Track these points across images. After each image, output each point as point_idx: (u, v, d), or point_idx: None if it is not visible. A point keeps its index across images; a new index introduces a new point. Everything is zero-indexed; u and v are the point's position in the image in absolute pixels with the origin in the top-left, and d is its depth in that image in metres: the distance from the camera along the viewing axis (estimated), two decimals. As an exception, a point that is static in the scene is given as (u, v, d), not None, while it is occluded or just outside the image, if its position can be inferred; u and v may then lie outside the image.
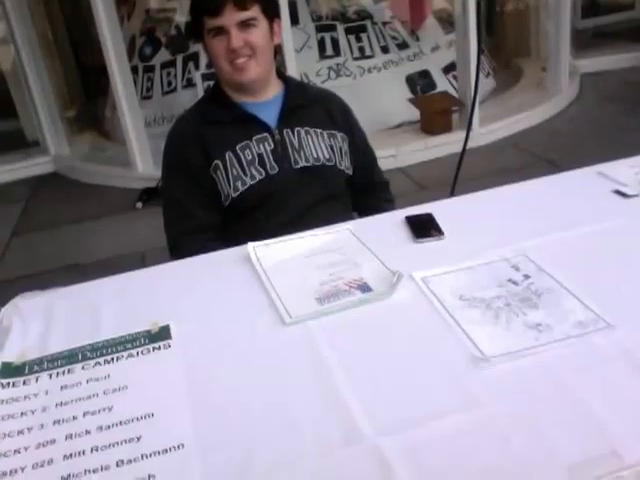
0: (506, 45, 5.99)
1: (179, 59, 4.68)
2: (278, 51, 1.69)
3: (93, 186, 4.44)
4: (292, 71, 3.92)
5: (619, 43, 5.86)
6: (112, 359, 1.04)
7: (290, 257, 1.27)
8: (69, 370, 1.02)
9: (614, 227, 1.24)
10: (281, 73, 1.69)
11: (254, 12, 1.52)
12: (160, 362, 1.03)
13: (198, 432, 0.86)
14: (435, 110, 4.30)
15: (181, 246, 1.58)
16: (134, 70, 4.76)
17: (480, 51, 3.73)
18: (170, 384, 0.97)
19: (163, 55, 4.81)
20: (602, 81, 5.32)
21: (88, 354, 1.06)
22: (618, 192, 1.37)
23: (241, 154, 1.56)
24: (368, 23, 4.73)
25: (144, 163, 4.21)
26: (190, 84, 4.59)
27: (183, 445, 0.85)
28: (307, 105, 1.66)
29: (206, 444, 0.84)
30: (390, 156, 4.04)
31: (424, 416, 0.84)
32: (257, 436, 0.85)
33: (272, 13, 1.59)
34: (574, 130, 4.42)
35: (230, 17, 1.50)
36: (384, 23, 4.81)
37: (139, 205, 3.89)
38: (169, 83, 4.73)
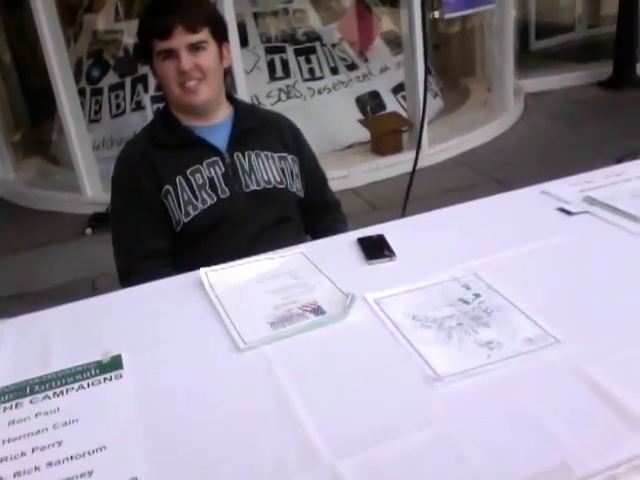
0: (453, 65, 6.14)
1: (128, 81, 4.65)
2: (227, 74, 1.69)
3: (40, 212, 4.36)
4: (242, 93, 3.93)
5: (562, 63, 6.06)
6: (62, 392, 1.01)
7: (243, 282, 1.26)
8: (17, 404, 0.99)
9: (560, 244, 1.28)
10: (230, 96, 1.70)
11: (204, 35, 1.53)
12: (112, 393, 1.00)
13: (153, 463, 0.85)
14: (385, 131, 4.36)
15: (132, 273, 1.56)
16: (81, 93, 4.70)
17: (427, 71, 3.81)
18: (122, 415, 0.95)
19: (111, 77, 4.77)
20: (546, 100, 5.48)
21: (37, 387, 1.03)
22: (562, 210, 1.41)
23: (192, 178, 1.55)
24: (317, 45, 4.80)
25: (93, 188, 4.15)
26: (139, 107, 4.56)
27: (137, 478, 0.83)
28: (257, 128, 1.66)
29: (161, 476, 0.83)
30: (342, 177, 4.08)
31: (381, 436, 0.84)
32: (213, 465, 0.83)
33: (221, 36, 1.60)
34: (520, 148, 4.54)
35: (180, 40, 1.50)
36: (333, 45, 4.88)
37: (88, 231, 3.83)
38: (118, 106, 4.69)
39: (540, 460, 0.79)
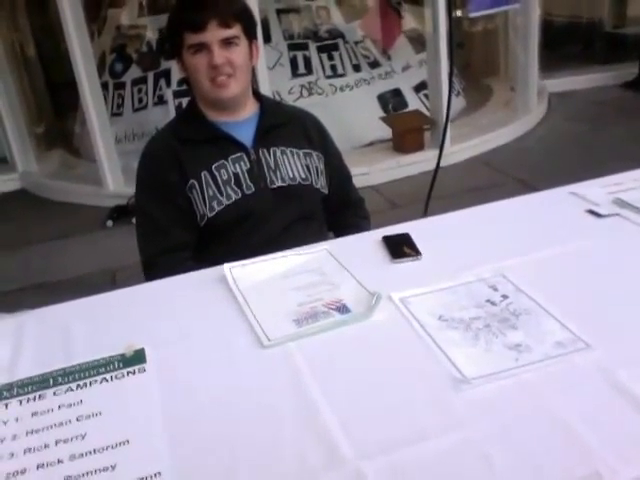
0: (475, 65, 6.09)
1: (150, 76, 4.66)
2: (254, 71, 1.69)
3: (62, 204, 4.38)
4: (264, 89, 3.93)
5: (587, 63, 5.99)
6: (85, 384, 1.01)
7: (267, 278, 1.25)
8: (40, 396, 0.99)
9: (589, 247, 1.26)
10: (257, 93, 1.69)
11: (236, 31, 1.52)
12: (135, 387, 1.00)
13: (175, 459, 0.84)
14: (407, 128, 4.34)
15: (156, 265, 1.56)
16: (104, 87, 4.72)
17: (452, 69, 3.76)
18: (146, 409, 0.95)
19: (134, 72, 4.79)
20: (570, 100, 5.42)
21: (60, 379, 1.03)
22: (591, 212, 1.39)
23: (217, 174, 1.55)
24: (340, 42, 4.78)
25: (114, 181, 4.17)
26: (161, 101, 4.57)
27: (160, 473, 0.82)
28: (283, 124, 1.65)
29: (184, 471, 0.82)
30: (362, 174, 4.06)
31: (405, 438, 0.83)
32: (236, 461, 0.83)
33: (252, 34, 1.60)
34: (543, 149, 4.49)
35: (213, 34, 1.49)
36: (356, 42, 4.86)
37: (109, 223, 3.85)
38: (140, 100, 4.71)
39: (570, 468, 0.77)
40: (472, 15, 4.38)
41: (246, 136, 1.60)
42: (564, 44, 6.13)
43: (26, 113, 5.08)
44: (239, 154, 1.57)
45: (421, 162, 4.00)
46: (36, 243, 3.84)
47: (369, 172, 4.14)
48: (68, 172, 4.74)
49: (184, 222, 1.56)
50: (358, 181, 3.88)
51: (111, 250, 3.44)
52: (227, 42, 1.51)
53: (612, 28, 6.55)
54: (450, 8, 3.20)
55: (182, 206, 1.55)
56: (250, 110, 1.64)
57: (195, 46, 1.51)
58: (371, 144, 4.56)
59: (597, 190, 1.49)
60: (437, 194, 3.14)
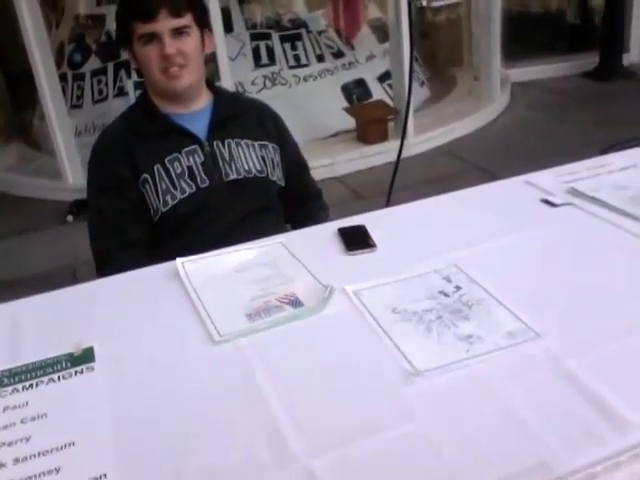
0: (440, 55, 6.10)
1: (110, 67, 4.57)
2: (208, 61, 1.66)
3: (21, 198, 4.28)
4: (226, 80, 3.89)
5: (549, 53, 6.04)
6: (31, 385, 0.99)
7: (220, 272, 1.24)
8: (-16, 398, 0.96)
9: (542, 236, 1.26)
10: (211, 83, 1.66)
11: (187, 20, 1.49)
12: (83, 387, 0.98)
13: (122, 459, 0.83)
14: (370, 119, 4.33)
15: (108, 263, 1.53)
16: (63, 78, 4.62)
17: (413, 60, 3.76)
18: (92, 410, 0.93)
19: (93, 62, 4.68)
20: (533, 90, 5.47)
21: (5, 380, 1.00)
22: (545, 201, 1.40)
23: (170, 167, 1.52)
24: (303, 32, 4.74)
25: (74, 174, 4.08)
26: (122, 92, 4.49)
27: (106, 475, 0.81)
28: (237, 116, 1.63)
29: (130, 472, 0.81)
30: (326, 165, 4.05)
31: (356, 433, 0.83)
32: (185, 461, 0.81)
33: (203, 22, 1.57)
34: (505, 138, 4.53)
35: (164, 23, 1.46)
36: (319, 32, 4.82)
37: (69, 218, 3.77)
38: (100, 91, 4.62)
39: (519, 458, 0.77)
40: (435, 4, 4.38)
41: (200, 128, 1.57)
42: (527, 34, 6.17)
43: (-18, 106, 4.96)
44: (193, 147, 1.55)
45: (385, 152, 4.00)
46: (-6, 239, 3.75)
47: (333, 163, 4.12)
48: (27, 166, 4.63)
49: (137, 217, 1.53)
50: (322, 172, 3.92)
51: (71, 245, 3.36)
52: (178, 32, 1.48)
53: (574, 19, 6.61)
54: (410, -3, 3.19)
55: (134, 201, 1.52)
56: (204, 101, 1.61)
57: (145, 36, 1.47)
58: (335, 135, 4.53)
59: (552, 179, 1.50)
60: (400, 185, 3.15)
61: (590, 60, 5.68)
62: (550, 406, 0.84)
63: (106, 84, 4.60)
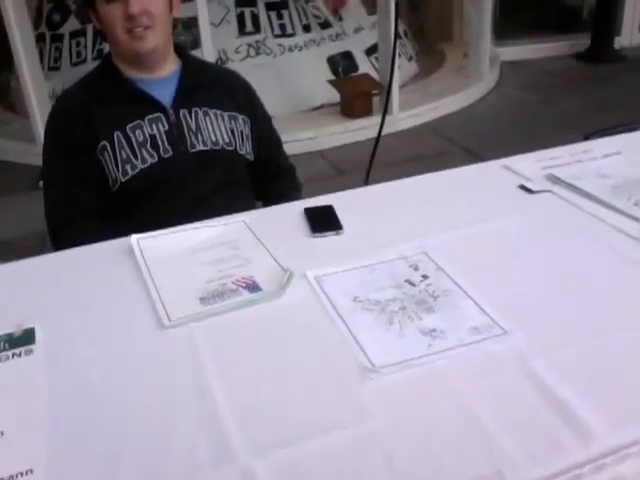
0: (430, 29, 5.99)
1: (89, 28, 4.42)
2: (176, 24, 1.57)
3: (-7, 161, 4.17)
4: (208, 46, 3.78)
5: (541, 32, 5.95)
6: (-36, 367, 0.92)
7: (177, 251, 1.17)
8: None
9: (517, 225, 1.21)
10: (180, 49, 1.57)
11: None
12: (19, 371, 0.92)
13: (52, 455, 0.77)
14: (355, 93, 4.24)
15: (63, 232, 1.46)
16: (41, 38, 4.48)
17: (401, 35, 3.67)
18: (27, 398, 0.86)
19: (72, 24, 4.54)
20: (522, 70, 5.39)
21: (-64, 360, 0.94)
22: (523, 187, 1.34)
23: (132, 135, 1.44)
24: (290, 0, 4.61)
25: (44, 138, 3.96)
26: (101, 55, 4.34)
27: (32, 471, 0.75)
28: (207, 84, 1.55)
29: (58, 471, 0.75)
30: (309, 138, 3.97)
31: (304, 432, 0.78)
32: (118, 457, 0.76)
33: None
34: (492, 118, 4.46)
35: None
36: (306, 1, 4.70)
37: (41, 184, 3.66)
38: (78, 54, 4.48)
39: (473, 465, 0.73)
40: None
41: (166, 95, 1.49)
42: (519, 13, 6.07)
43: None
44: (157, 114, 1.46)
45: (369, 128, 3.90)
46: (-38, 203, 3.65)
47: (316, 136, 4.04)
48: (2, 128, 4.50)
49: (93, 186, 1.46)
50: (304, 145, 3.84)
51: (42, 211, 3.28)
52: None
53: (567, -2, 6.52)
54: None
55: (91, 169, 1.44)
56: (171, 68, 1.52)
57: None
58: (319, 108, 4.44)
59: (531, 164, 1.44)
60: (383, 161, 3.08)
61: (581, 42, 5.61)
62: (512, 410, 0.79)
63: (85, 46, 4.46)
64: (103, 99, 1.47)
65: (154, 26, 1.43)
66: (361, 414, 0.80)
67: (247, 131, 1.57)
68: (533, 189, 1.32)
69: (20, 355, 0.94)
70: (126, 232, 1.24)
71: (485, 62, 4.91)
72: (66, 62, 4.51)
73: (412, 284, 1.04)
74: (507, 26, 5.65)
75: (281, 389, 0.85)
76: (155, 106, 1.47)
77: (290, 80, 4.32)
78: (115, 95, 1.47)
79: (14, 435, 0.80)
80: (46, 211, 1.50)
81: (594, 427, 0.75)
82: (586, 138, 1.67)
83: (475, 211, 1.26)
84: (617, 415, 0.77)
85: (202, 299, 1.02)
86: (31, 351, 0.95)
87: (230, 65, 4.14)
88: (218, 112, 1.52)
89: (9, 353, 0.95)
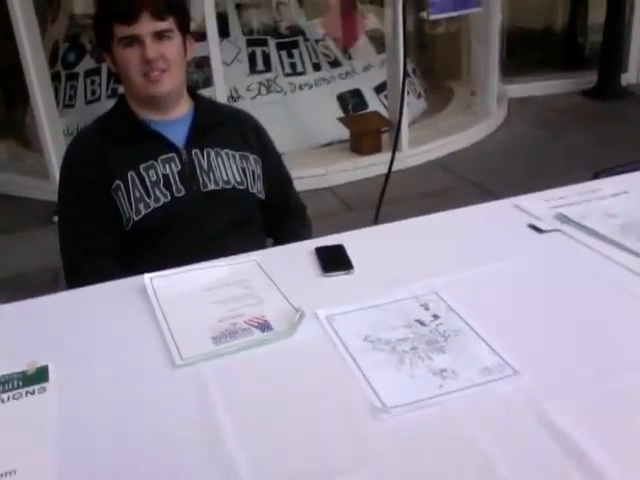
0: (438, 67, 6.07)
1: (104, 67, 4.51)
2: (189, 67, 1.61)
3: (8, 197, 4.21)
4: (220, 85, 3.84)
5: (548, 70, 6.02)
6: (-22, 405, 0.93)
7: (189, 290, 1.18)
8: None
9: (527, 264, 1.21)
10: (192, 91, 1.60)
11: (170, 24, 1.45)
12: (32, 409, 0.92)
13: (63, 493, 0.77)
14: (365, 130, 4.28)
15: (77, 270, 1.47)
16: (57, 77, 4.57)
17: (412, 72, 3.71)
18: (39, 436, 0.87)
19: (88, 63, 4.63)
20: (530, 106, 5.43)
21: (-47, 397, 0.94)
22: (532, 226, 1.35)
23: (145, 174, 1.47)
24: (300, 39, 4.70)
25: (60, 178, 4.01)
26: (115, 94, 4.42)
27: (43, 510, 0.75)
28: (218, 124, 1.57)
29: (70, 509, 0.75)
30: (319, 175, 4.00)
31: (315, 474, 0.78)
32: (131, 497, 0.76)
33: (186, 27, 1.52)
34: (501, 154, 4.49)
35: (146, 26, 1.41)
36: (316, 40, 4.78)
37: (56, 219, 3.69)
38: (93, 92, 4.56)
39: (487, 509, 0.72)
40: (433, 17, 4.33)
41: (179, 136, 1.52)
42: (526, 51, 6.15)
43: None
44: (170, 154, 1.49)
45: (378, 164, 3.94)
46: (-22, 238, 3.69)
47: (325, 173, 4.07)
48: (16, 164, 4.56)
49: (108, 226, 1.48)
50: (314, 182, 3.87)
51: (55, 247, 3.31)
52: (160, 35, 1.43)
53: (573, 37, 6.59)
54: (405, 9, 3.14)
55: (106, 209, 1.47)
56: (184, 109, 1.56)
57: (126, 39, 1.42)
58: (329, 144, 4.49)
59: (540, 203, 1.45)
60: (392, 197, 3.10)
61: (588, 79, 5.66)
62: (524, 453, 0.79)
63: (99, 85, 4.55)
64: (117, 140, 1.50)
65: (169, 70, 1.46)
66: (372, 456, 0.80)
67: (258, 170, 1.59)
68: (543, 228, 1.33)
69: (34, 393, 0.95)
70: (139, 270, 1.26)
71: (493, 99, 4.96)
72: (81, 100, 4.60)
73: (423, 324, 1.04)
74: (514, 63, 5.72)
75: (292, 429, 0.85)
76: (168, 146, 1.50)
77: (300, 117, 4.38)
78: (129, 136, 1.50)
79: (26, 474, 0.81)
80: (61, 248, 1.52)
81: (610, 474, 0.74)
82: (595, 177, 1.69)
83: (485, 250, 1.27)
84: (631, 460, 0.77)
85: (214, 338, 1.03)
86: (44, 389, 0.96)
87: (241, 103, 4.20)
88: (230, 152, 1.55)
89: (23, 391, 0.96)
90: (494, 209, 1.48)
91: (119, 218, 1.47)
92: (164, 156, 1.49)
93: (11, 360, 1.02)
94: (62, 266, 1.52)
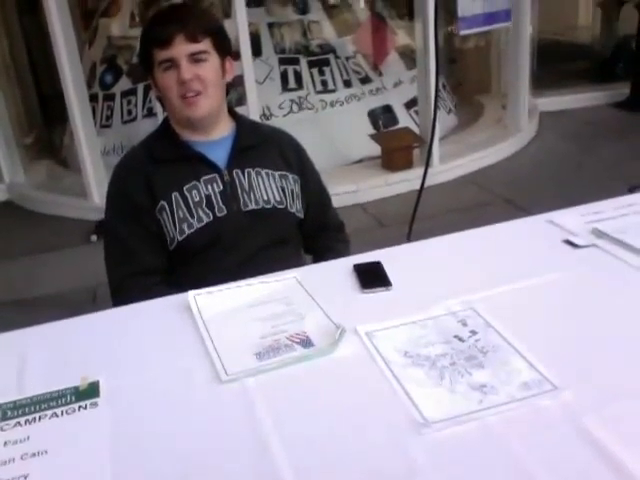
0: (468, 82, 6.08)
1: (140, 88, 4.63)
2: (230, 89, 1.65)
3: (47, 216, 4.33)
4: (253, 103, 3.91)
5: (579, 82, 5.99)
6: (34, 419, 0.97)
7: (232, 307, 1.22)
8: (-14, 431, 0.95)
9: (563, 279, 1.22)
10: (233, 112, 1.65)
11: (205, 45, 1.49)
12: (85, 423, 0.96)
13: (118, 505, 0.80)
14: (396, 146, 4.31)
15: (123, 289, 1.52)
16: (94, 98, 4.69)
17: (441, 87, 3.73)
18: (93, 449, 0.91)
19: (124, 83, 4.75)
20: (562, 120, 5.41)
21: (9, 412, 0.99)
22: (568, 242, 1.36)
23: (188, 195, 1.51)
24: (331, 57, 4.76)
25: (100, 193, 4.10)
26: (151, 113, 4.54)
27: (98, 521, 0.79)
28: (259, 145, 1.61)
29: (126, 519, 0.78)
30: (350, 192, 4.04)
31: (360, 487, 0.80)
32: (181, 510, 0.79)
33: (224, 49, 1.56)
34: (533, 169, 4.47)
35: (180, 49, 1.46)
36: (347, 57, 4.84)
37: (94, 238, 3.79)
38: (129, 112, 4.68)
39: (530, 522, 0.73)
40: (462, 33, 4.36)
41: (220, 156, 1.56)
42: (556, 63, 6.13)
43: (15, 123, 5.04)
44: (212, 175, 1.54)
45: (410, 180, 3.97)
46: (18, 256, 3.79)
47: (357, 190, 4.11)
48: (55, 184, 4.68)
49: (153, 245, 1.52)
50: (345, 198, 3.91)
51: (94, 266, 3.36)
52: (195, 57, 1.48)
53: (605, 49, 6.55)
54: (436, 23, 3.17)
55: (151, 229, 1.51)
56: (225, 129, 1.60)
57: (164, 62, 1.48)
58: (360, 161, 4.52)
59: (576, 218, 1.46)
60: (424, 214, 3.11)
61: (620, 91, 5.62)
62: (565, 468, 0.80)
63: (135, 105, 4.66)
64: (161, 161, 1.55)
65: (206, 91, 1.50)
66: (415, 469, 0.82)
67: (297, 190, 1.63)
68: (578, 244, 1.34)
69: (86, 408, 0.99)
70: (182, 287, 1.30)
71: (524, 113, 4.96)
72: (117, 120, 4.71)
73: (461, 339, 1.06)
74: (544, 77, 5.71)
75: (335, 443, 0.87)
76: (210, 167, 1.54)
77: (332, 134, 4.43)
78: (172, 157, 1.55)
79: (82, 487, 0.85)
80: (107, 267, 1.57)
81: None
82: (630, 191, 1.69)
83: (521, 266, 1.28)
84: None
85: (257, 354, 1.06)
86: (96, 404, 1.00)
87: (273, 120, 4.27)
88: (270, 172, 1.59)
89: (75, 406, 0.99)
90: (528, 225, 1.49)
91: (163, 238, 1.51)
92: (206, 177, 1.53)
93: (63, 376, 1.06)
94: (108, 284, 1.57)
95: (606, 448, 0.81)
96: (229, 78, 1.59)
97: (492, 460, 0.82)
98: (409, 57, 5.00)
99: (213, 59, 1.51)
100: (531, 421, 0.88)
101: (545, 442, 0.84)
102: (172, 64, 1.47)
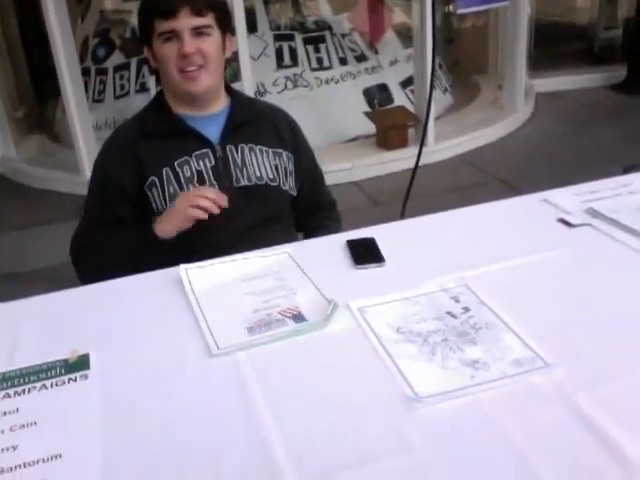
0: (465, 62, 6.04)
1: (133, 62, 4.58)
2: (228, 65, 1.63)
3: (39, 191, 4.30)
4: (247, 79, 3.87)
5: (576, 64, 5.96)
6: (23, 391, 0.97)
7: (224, 281, 1.21)
8: (-26, 402, 0.95)
9: (557, 257, 1.22)
10: (229, 88, 1.63)
11: (209, 20, 1.47)
12: (75, 395, 0.96)
13: (108, 475, 0.80)
14: (391, 125, 4.29)
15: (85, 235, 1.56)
16: (86, 72, 4.64)
17: (438, 67, 3.70)
18: (83, 421, 0.90)
19: (117, 58, 4.70)
20: (557, 101, 5.39)
21: (-2, 384, 0.98)
22: (562, 221, 1.35)
23: (179, 170, 1.49)
24: (327, 34, 4.71)
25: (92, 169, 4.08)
26: (143, 88, 4.50)
27: (89, 491, 0.78)
28: (253, 121, 1.59)
29: (115, 490, 0.78)
30: (345, 169, 4.02)
31: (351, 462, 0.79)
32: (172, 480, 0.79)
33: (226, 25, 1.54)
34: (528, 149, 4.46)
35: (185, 21, 1.43)
36: (343, 35, 4.79)
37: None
38: (122, 87, 4.63)
39: (519, 497, 0.73)
40: (460, 11, 4.32)
41: (214, 132, 1.54)
42: (553, 45, 6.09)
43: (6, 97, 4.98)
44: (204, 150, 1.51)
45: (404, 159, 3.95)
46: (10, 231, 3.76)
47: (351, 167, 4.09)
48: (47, 158, 4.64)
49: (134, 215, 1.53)
50: (340, 176, 3.89)
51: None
52: (199, 31, 1.45)
53: (602, 29, 6.52)
54: (434, 3, 3.13)
55: (134, 201, 1.51)
56: (220, 105, 1.58)
57: (165, 34, 1.45)
58: (355, 139, 4.50)
59: (570, 198, 1.46)
60: (418, 192, 3.11)
61: (617, 73, 5.60)
62: (555, 445, 0.80)
63: (128, 79, 4.61)
64: (153, 135, 1.52)
65: (207, 66, 1.48)
66: (406, 444, 0.81)
67: (291, 167, 1.61)
68: (573, 223, 1.33)
69: (76, 380, 0.99)
70: (172, 263, 1.29)
71: (520, 94, 4.94)
72: (110, 95, 4.67)
73: (453, 316, 1.06)
74: (541, 58, 5.67)
75: (326, 417, 0.87)
76: (203, 142, 1.52)
77: (326, 112, 4.40)
78: (164, 132, 1.53)
79: (72, 457, 0.84)
80: (73, 236, 1.58)
81: (640, 462, 0.75)
82: (625, 172, 1.69)
83: (515, 244, 1.28)
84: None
85: (249, 329, 1.05)
86: (86, 376, 0.99)
87: (268, 97, 4.23)
88: (263, 148, 1.57)
89: (65, 378, 0.99)
90: (523, 203, 1.48)
91: (151, 214, 1.50)
92: (198, 152, 1.51)
93: (53, 349, 1.05)
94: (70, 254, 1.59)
95: (598, 425, 0.81)
96: (228, 54, 1.57)
97: (483, 435, 0.82)
98: (406, 35, 4.95)
99: (215, 34, 1.49)
100: (523, 398, 0.88)
101: (536, 418, 0.84)
102: (173, 36, 1.45)
